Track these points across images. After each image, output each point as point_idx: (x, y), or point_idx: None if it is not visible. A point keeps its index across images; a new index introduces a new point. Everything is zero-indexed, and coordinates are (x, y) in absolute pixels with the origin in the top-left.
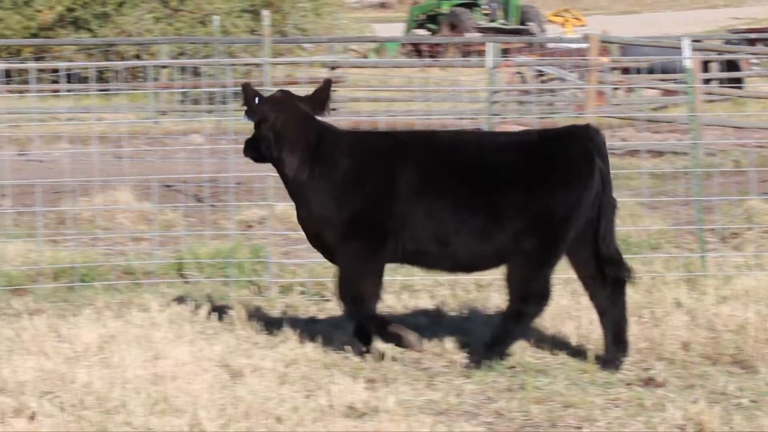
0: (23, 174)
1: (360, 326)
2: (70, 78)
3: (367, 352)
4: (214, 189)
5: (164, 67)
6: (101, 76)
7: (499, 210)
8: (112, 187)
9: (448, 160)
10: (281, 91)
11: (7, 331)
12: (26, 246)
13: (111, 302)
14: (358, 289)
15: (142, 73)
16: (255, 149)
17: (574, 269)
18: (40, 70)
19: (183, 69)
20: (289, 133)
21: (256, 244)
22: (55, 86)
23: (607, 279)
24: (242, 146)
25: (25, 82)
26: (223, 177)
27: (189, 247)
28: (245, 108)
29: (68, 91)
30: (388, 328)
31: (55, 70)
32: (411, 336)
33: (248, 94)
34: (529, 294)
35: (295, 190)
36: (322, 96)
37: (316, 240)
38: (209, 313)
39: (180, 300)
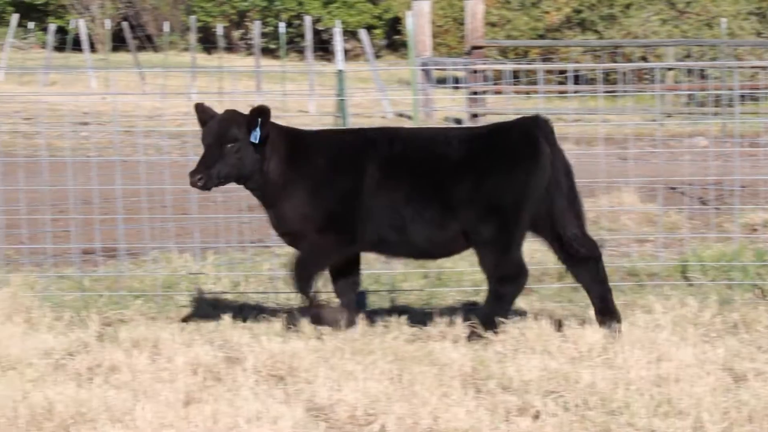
0: None
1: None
2: (577, 79)
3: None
4: (719, 192)
5: (670, 69)
6: (607, 78)
7: (452, 200)
8: (617, 189)
9: (407, 154)
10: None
11: (513, 330)
12: (531, 246)
13: (616, 303)
14: (314, 270)
15: (648, 75)
16: (237, 169)
17: (554, 253)
18: (548, 72)
19: (689, 71)
20: (277, 144)
21: (761, 247)
22: (561, 87)
23: (575, 257)
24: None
25: (533, 83)
26: (727, 180)
27: (693, 250)
28: (259, 128)
29: (575, 92)
30: (312, 307)
31: (562, 72)
32: (334, 314)
33: (268, 115)
34: (503, 276)
35: (273, 195)
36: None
37: (290, 240)
38: (713, 316)
39: (683, 302)
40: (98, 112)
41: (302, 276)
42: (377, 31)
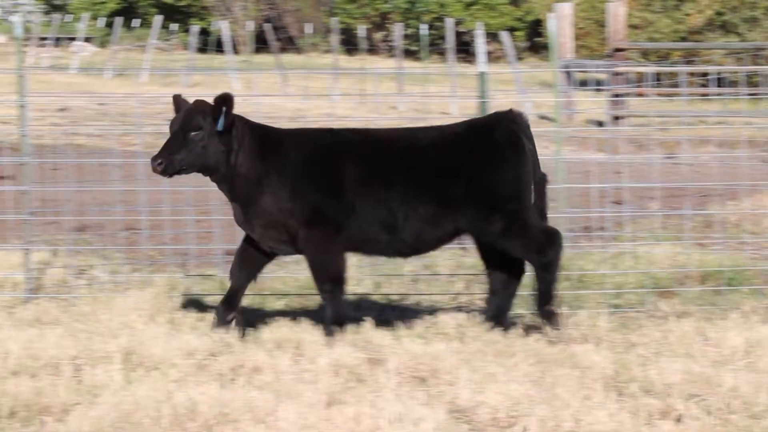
0: (672, 177)
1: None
2: (719, 82)
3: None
4: None
5: None
6: (750, 81)
7: (447, 200)
8: (759, 192)
9: (386, 156)
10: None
11: (655, 333)
12: (674, 249)
13: (758, 307)
14: (335, 269)
15: None
16: (201, 158)
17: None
18: (690, 74)
19: None
20: (247, 139)
21: None
22: (704, 90)
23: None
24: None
25: (675, 85)
26: None
27: None
28: (223, 117)
29: (717, 95)
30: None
31: (705, 74)
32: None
33: (232, 103)
34: (540, 247)
35: (243, 190)
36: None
37: (266, 235)
38: None
39: None
40: (241, 113)
41: (329, 281)
42: (518, 33)
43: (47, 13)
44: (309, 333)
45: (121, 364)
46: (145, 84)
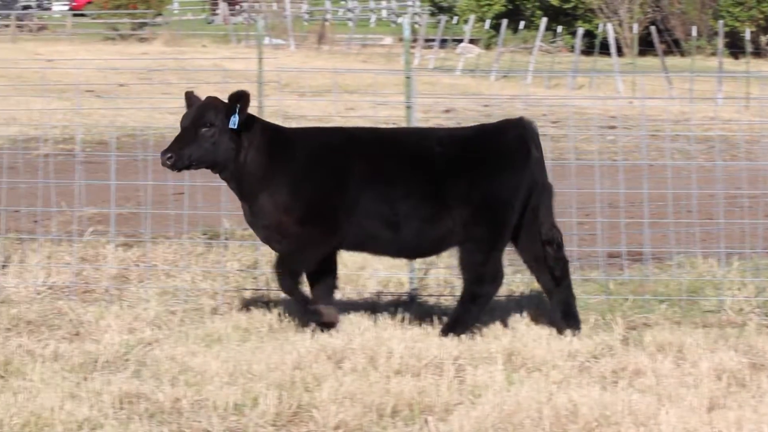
0: None
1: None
2: None
3: None
4: None
5: None
6: None
7: (445, 200)
8: None
9: (394, 155)
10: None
11: None
12: None
13: None
14: (299, 265)
15: None
16: (211, 154)
17: (520, 255)
18: None
19: None
20: (257, 137)
21: None
22: None
23: (549, 260)
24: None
25: None
26: None
27: None
28: (238, 114)
29: None
30: (309, 304)
31: None
32: (330, 311)
33: (247, 101)
34: (483, 276)
35: (251, 188)
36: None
37: (270, 233)
38: None
39: None
40: (625, 116)
41: (288, 273)
42: None
43: (433, 14)
44: (691, 337)
45: (503, 364)
46: (529, 86)
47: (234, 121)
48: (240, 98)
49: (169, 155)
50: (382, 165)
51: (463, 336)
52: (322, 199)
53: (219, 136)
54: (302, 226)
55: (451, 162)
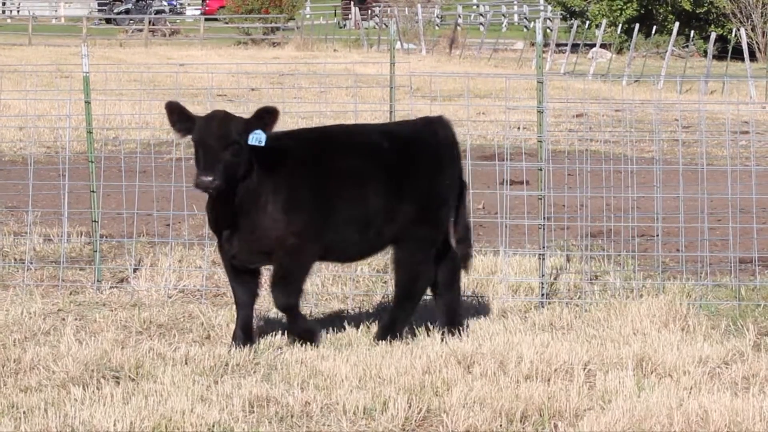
0: None
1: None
2: None
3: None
4: None
5: None
6: None
7: (402, 199)
8: None
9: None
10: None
11: None
12: None
13: None
14: (301, 285)
15: None
16: (237, 174)
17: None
18: None
19: None
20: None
21: None
22: None
23: (444, 263)
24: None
25: None
26: None
27: None
28: (262, 132)
29: None
30: (307, 324)
31: None
32: (317, 332)
33: (275, 118)
34: (419, 274)
35: (245, 207)
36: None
37: (261, 255)
38: None
39: None
40: (758, 121)
41: (293, 290)
42: None
43: (564, 19)
44: None
45: (634, 370)
46: (661, 91)
47: (260, 138)
48: (269, 114)
49: (212, 179)
50: (351, 165)
51: (400, 336)
52: (311, 208)
53: (243, 155)
54: (299, 237)
55: (401, 160)
